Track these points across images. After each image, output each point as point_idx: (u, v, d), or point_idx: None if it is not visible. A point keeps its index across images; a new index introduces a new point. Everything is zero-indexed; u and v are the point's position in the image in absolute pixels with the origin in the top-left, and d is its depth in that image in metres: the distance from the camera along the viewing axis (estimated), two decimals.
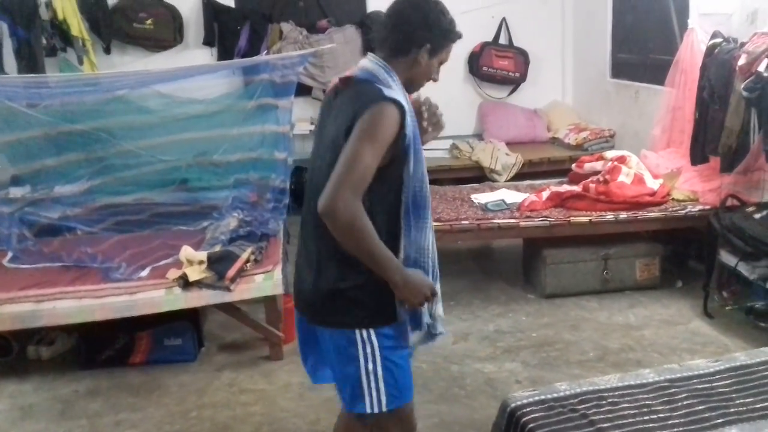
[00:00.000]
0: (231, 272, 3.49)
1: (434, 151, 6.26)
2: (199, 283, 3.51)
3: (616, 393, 2.30)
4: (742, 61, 3.89)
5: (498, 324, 4.10)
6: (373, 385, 1.98)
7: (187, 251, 3.60)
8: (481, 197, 4.67)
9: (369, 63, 2.02)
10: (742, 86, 3.84)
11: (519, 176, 5.76)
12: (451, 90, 6.74)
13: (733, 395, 2.27)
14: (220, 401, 3.38)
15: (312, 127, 6.44)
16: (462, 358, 3.69)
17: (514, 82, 6.73)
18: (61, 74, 5.53)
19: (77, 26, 5.74)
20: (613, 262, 4.31)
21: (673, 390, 2.31)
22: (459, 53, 6.72)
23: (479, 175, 5.90)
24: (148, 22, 6.11)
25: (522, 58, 6.62)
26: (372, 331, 1.97)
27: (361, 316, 1.97)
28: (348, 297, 1.96)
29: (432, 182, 5.52)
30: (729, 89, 4.01)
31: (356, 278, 1.94)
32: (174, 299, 3.49)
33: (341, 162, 1.83)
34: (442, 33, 2.04)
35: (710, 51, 4.26)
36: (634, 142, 5.56)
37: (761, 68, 3.77)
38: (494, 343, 3.85)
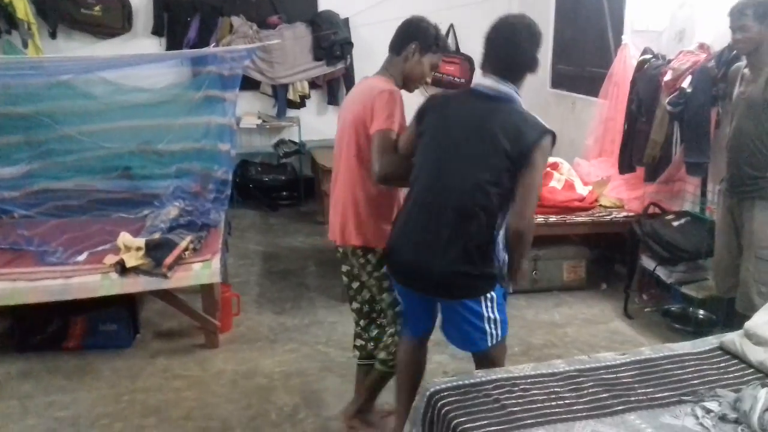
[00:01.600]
0: (169, 260, 3.54)
1: None
2: (136, 270, 3.54)
3: (528, 380, 2.44)
4: (667, 77, 4.12)
5: None
6: (493, 325, 2.51)
7: (124, 237, 3.63)
8: None
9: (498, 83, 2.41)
10: (667, 101, 4.07)
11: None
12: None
13: (636, 385, 2.44)
14: (153, 386, 3.42)
15: (259, 122, 6.50)
16: None
17: (459, 87, 6.90)
18: (3, 56, 5.45)
19: (23, 9, 5.69)
20: (542, 263, 4.51)
21: (581, 379, 2.47)
22: None
23: None
24: (97, 8, 6.08)
25: (468, 64, 6.80)
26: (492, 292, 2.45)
27: (485, 287, 2.44)
28: (475, 276, 2.39)
29: None
30: (655, 103, 4.25)
31: (484, 266, 2.39)
32: (110, 284, 3.52)
33: (530, 190, 2.34)
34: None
35: (640, 66, 4.49)
36: (570, 150, 5.77)
37: (684, 84, 4.01)
38: None
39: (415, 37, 2.66)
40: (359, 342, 3.06)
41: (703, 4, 4.23)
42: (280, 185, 6.68)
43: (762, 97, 3.24)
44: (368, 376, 3.01)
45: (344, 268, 2.93)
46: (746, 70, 3.40)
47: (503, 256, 2.45)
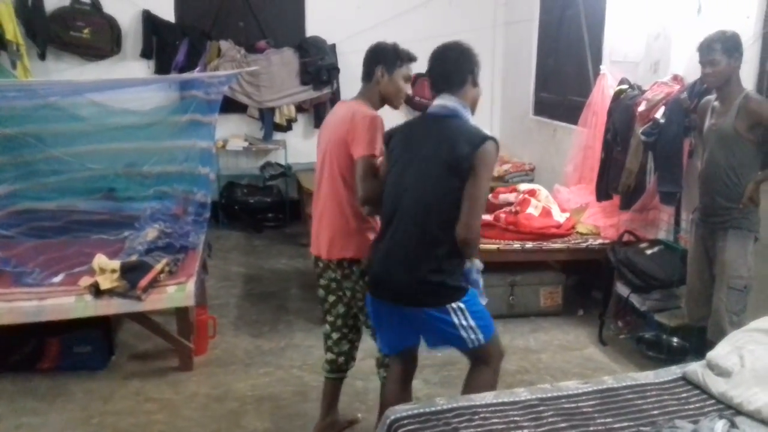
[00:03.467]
0: (143, 282, 3.56)
1: None
2: (110, 292, 3.55)
3: (489, 409, 2.46)
4: (642, 108, 4.18)
5: None
6: (469, 330, 2.60)
7: (100, 259, 3.65)
8: None
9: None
10: (641, 131, 4.13)
11: None
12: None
13: (596, 415, 2.46)
14: (124, 409, 3.43)
15: (246, 144, 6.57)
16: (368, 375, 3.81)
17: None
18: None
19: (12, 30, 5.74)
20: (519, 288, 4.54)
21: (542, 408, 2.48)
22: None
23: None
24: (86, 31, 6.16)
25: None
26: (459, 302, 2.56)
27: (448, 297, 2.54)
28: (436, 285, 2.51)
29: None
30: (630, 133, 4.31)
31: (445, 276, 2.52)
32: (84, 306, 3.53)
33: (475, 199, 2.48)
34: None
35: (616, 96, 4.56)
36: (551, 176, 5.84)
37: (658, 115, 4.08)
38: None
39: (378, 60, 2.83)
40: (330, 356, 3.16)
41: (677, 36, 4.30)
42: (265, 207, 6.72)
43: (732, 129, 3.31)
44: (332, 389, 3.17)
45: (322, 281, 3.02)
46: (716, 103, 3.47)
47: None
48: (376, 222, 2.87)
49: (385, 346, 2.85)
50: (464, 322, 2.57)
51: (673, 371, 2.83)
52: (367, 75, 2.87)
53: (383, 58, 2.83)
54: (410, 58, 2.89)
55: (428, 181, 2.51)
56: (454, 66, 2.61)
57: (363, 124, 2.72)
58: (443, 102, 2.60)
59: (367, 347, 4.13)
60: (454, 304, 2.54)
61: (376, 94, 2.87)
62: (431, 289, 2.52)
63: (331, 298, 3.03)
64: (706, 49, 3.34)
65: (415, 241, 2.52)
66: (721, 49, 3.29)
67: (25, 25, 5.93)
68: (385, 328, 2.76)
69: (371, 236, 2.83)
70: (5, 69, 5.84)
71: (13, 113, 4.71)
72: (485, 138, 2.50)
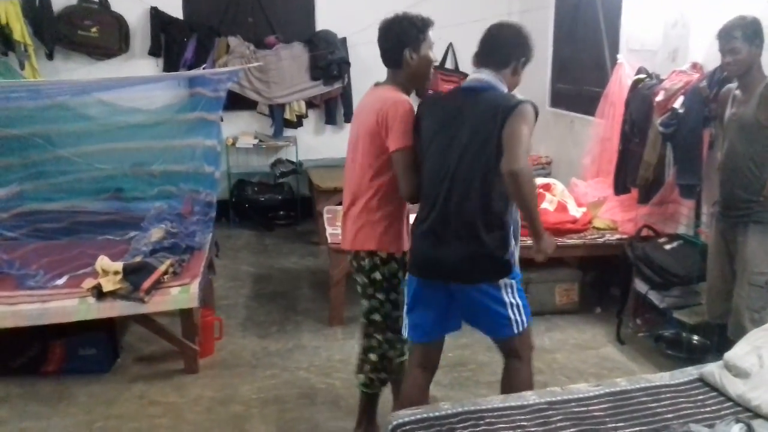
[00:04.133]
0: (146, 284, 3.49)
1: None
2: (113, 294, 3.49)
3: (495, 413, 2.36)
4: (659, 98, 4.03)
5: None
6: (516, 311, 2.59)
7: (102, 261, 3.59)
8: (412, 216, 4.73)
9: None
10: (659, 122, 3.98)
11: None
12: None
13: (607, 419, 2.35)
14: (128, 413, 3.37)
15: (256, 141, 6.50)
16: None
17: None
18: (1, 80, 5.49)
19: (20, 31, 5.73)
20: (534, 286, 4.40)
21: (551, 412, 2.38)
22: None
23: None
24: (93, 29, 6.11)
25: (464, 77, 6.74)
26: (509, 278, 2.55)
27: (502, 271, 2.53)
28: (491, 259, 2.49)
29: None
30: (648, 124, 4.16)
31: (498, 250, 2.49)
32: (86, 309, 3.47)
33: (516, 136, 2.34)
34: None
35: (634, 86, 4.41)
36: (568, 169, 5.70)
37: (677, 105, 3.92)
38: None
39: (404, 44, 2.67)
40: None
41: (696, 23, 4.14)
42: (276, 205, 6.64)
43: (754, 118, 3.16)
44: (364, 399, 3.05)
45: (358, 278, 2.93)
46: (737, 91, 3.33)
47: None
48: (404, 212, 2.83)
49: (418, 332, 2.70)
50: (513, 300, 2.57)
51: (690, 372, 2.70)
52: (395, 62, 2.70)
53: (407, 39, 2.66)
54: (429, 24, 2.72)
55: (477, 156, 2.45)
56: (503, 45, 2.58)
57: (394, 113, 2.60)
58: (479, 76, 2.56)
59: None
60: (506, 280, 2.54)
61: (406, 77, 2.72)
62: (487, 262, 2.50)
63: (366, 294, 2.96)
64: (725, 36, 3.20)
65: (470, 216, 2.47)
66: (742, 37, 3.15)
67: (32, 25, 5.90)
68: (426, 312, 2.65)
69: (398, 227, 2.79)
70: (14, 70, 5.83)
71: (21, 114, 4.69)
72: (521, 101, 2.44)
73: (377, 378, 2.97)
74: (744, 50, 3.15)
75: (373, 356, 2.93)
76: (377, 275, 2.82)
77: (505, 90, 2.55)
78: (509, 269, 2.53)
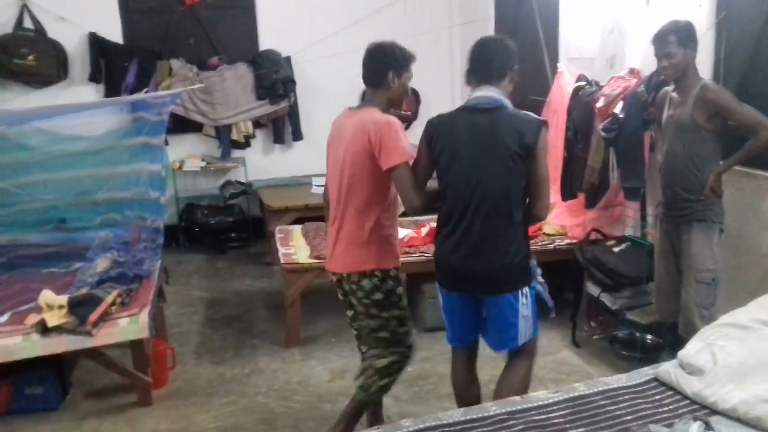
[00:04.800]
0: (93, 316, 3.38)
1: (321, 188, 6.30)
2: (59, 329, 3.37)
3: (457, 428, 2.34)
4: (600, 104, 4.11)
5: None
6: (526, 322, 2.79)
7: (46, 295, 3.47)
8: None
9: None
10: (600, 127, 4.06)
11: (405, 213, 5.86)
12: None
13: (567, 426, 2.35)
14: None
15: (203, 164, 6.42)
16: (336, 396, 3.69)
17: (406, 120, 6.85)
18: None
19: None
20: None
21: (512, 422, 2.37)
22: (352, 92, 6.83)
23: None
24: (30, 57, 5.95)
25: (413, 97, 6.78)
26: (527, 287, 2.75)
27: (522, 279, 2.73)
28: (514, 267, 2.68)
29: (318, 219, 5.48)
30: (590, 130, 4.24)
31: (519, 257, 2.69)
32: (31, 346, 3.34)
33: (543, 181, 2.65)
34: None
35: (575, 93, 4.50)
36: None
37: (617, 110, 4.01)
38: None
39: (389, 66, 2.79)
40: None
41: (631, 29, 4.25)
42: (227, 227, 6.54)
43: (691, 120, 3.24)
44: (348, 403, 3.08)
45: (341, 296, 3.03)
46: (674, 94, 3.41)
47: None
48: (395, 227, 2.95)
49: (456, 339, 2.93)
50: (525, 312, 2.75)
51: (646, 373, 2.73)
52: (377, 82, 2.81)
53: (394, 63, 2.79)
54: (413, 59, 2.87)
55: (503, 170, 2.59)
56: (494, 58, 2.69)
57: (388, 132, 2.69)
58: (486, 93, 2.67)
59: (335, 367, 4.03)
60: (525, 289, 2.72)
61: (384, 100, 2.83)
62: (514, 272, 2.69)
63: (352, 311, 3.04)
64: (660, 41, 3.28)
65: (499, 228, 2.64)
66: (676, 41, 3.22)
67: None
68: (461, 320, 2.85)
69: (395, 243, 2.92)
70: None
71: None
72: (541, 123, 2.67)
73: (378, 385, 2.98)
74: (679, 54, 3.23)
75: (381, 362, 2.97)
76: (378, 295, 2.88)
77: (510, 104, 2.71)
78: (528, 277, 2.75)
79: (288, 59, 6.58)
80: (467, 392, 2.98)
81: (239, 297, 5.32)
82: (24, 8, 6.02)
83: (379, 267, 2.85)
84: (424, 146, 2.75)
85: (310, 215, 5.71)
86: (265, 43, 6.66)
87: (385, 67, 2.79)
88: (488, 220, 2.64)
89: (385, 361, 2.96)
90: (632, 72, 4.14)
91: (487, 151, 2.61)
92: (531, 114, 2.72)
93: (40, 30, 6.06)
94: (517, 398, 2.59)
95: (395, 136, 2.69)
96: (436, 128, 2.73)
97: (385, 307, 2.90)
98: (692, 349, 2.64)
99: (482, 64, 2.70)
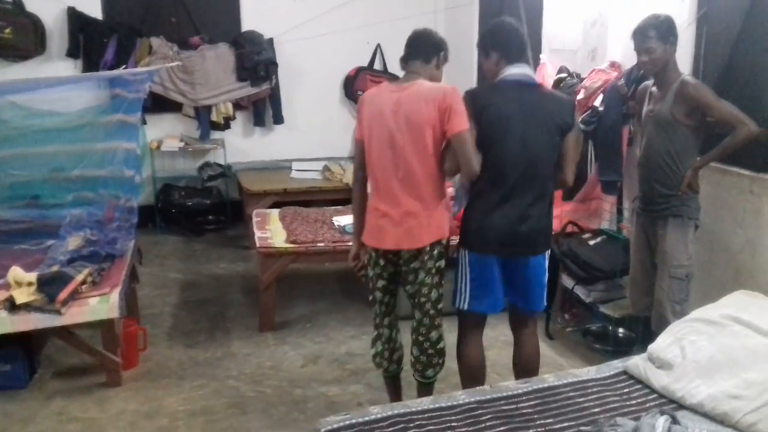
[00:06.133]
0: (62, 295, 3.33)
1: (306, 173, 6.28)
2: (27, 306, 3.32)
3: (425, 416, 2.34)
4: (580, 96, 4.11)
5: (350, 346, 4.11)
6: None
7: (15, 272, 3.42)
8: (342, 219, 4.68)
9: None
10: (580, 120, 4.05)
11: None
12: (326, 113, 6.80)
13: (535, 416, 2.36)
14: (45, 431, 3.20)
15: (182, 144, 6.34)
16: (308, 382, 3.68)
17: None
18: None
19: None
20: None
21: (480, 411, 2.38)
22: (334, 77, 6.81)
23: (350, 198, 5.93)
24: (7, 30, 5.84)
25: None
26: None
27: (550, 241, 3.03)
28: (549, 229, 2.98)
29: (302, 204, 5.46)
30: None
31: (551, 220, 2.99)
32: None
33: (576, 148, 3.02)
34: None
35: (556, 85, 4.48)
36: None
37: (596, 103, 4.01)
38: (343, 366, 3.86)
39: (441, 48, 2.95)
40: (397, 354, 3.15)
41: (613, 22, 4.25)
42: (205, 209, 6.48)
43: (670, 115, 3.24)
44: (419, 392, 3.09)
45: (385, 272, 2.99)
46: (654, 88, 3.40)
47: None
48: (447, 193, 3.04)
49: (486, 305, 3.00)
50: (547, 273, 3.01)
51: (615, 366, 2.75)
52: (428, 56, 2.91)
53: (444, 48, 2.96)
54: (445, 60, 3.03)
55: (550, 141, 2.85)
56: (523, 42, 2.96)
57: (458, 97, 2.76)
58: (524, 71, 2.89)
59: (309, 353, 4.01)
60: (548, 251, 2.98)
61: (427, 76, 2.89)
62: (549, 233, 2.97)
63: (389, 295, 3.06)
64: (640, 36, 3.26)
65: (543, 195, 2.88)
66: (656, 36, 3.21)
67: None
68: (494, 287, 2.95)
69: (447, 210, 3.00)
70: None
71: None
72: (573, 102, 3.05)
73: (441, 364, 3.08)
74: (659, 49, 3.22)
75: (441, 344, 3.04)
76: (442, 263, 2.95)
77: None
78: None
79: (270, 41, 6.51)
80: (481, 365, 3.10)
81: (215, 280, 5.27)
82: None
83: (444, 235, 2.94)
84: (471, 118, 2.79)
85: (289, 200, 5.70)
86: (247, 23, 6.58)
87: (437, 48, 2.92)
88: (536, 186, 2.85)
89: (442, 344, 3.05)
90: (613, 65, 4.15)
91: (538, 123, 2.82)
92: (562, 94, 3.15)
93: (18, 3, 5.94)
94: (486, 387, 2.60)
95: (460, 101, 2.77)
96: (486, 99, 2.84)
97: (443, 275, 2.98)
98: (662, 343, 2.66)
99: (517, 45, 2.91)
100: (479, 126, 2.80)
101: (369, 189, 3.03)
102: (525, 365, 3.11)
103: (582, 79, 4.24)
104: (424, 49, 2.91)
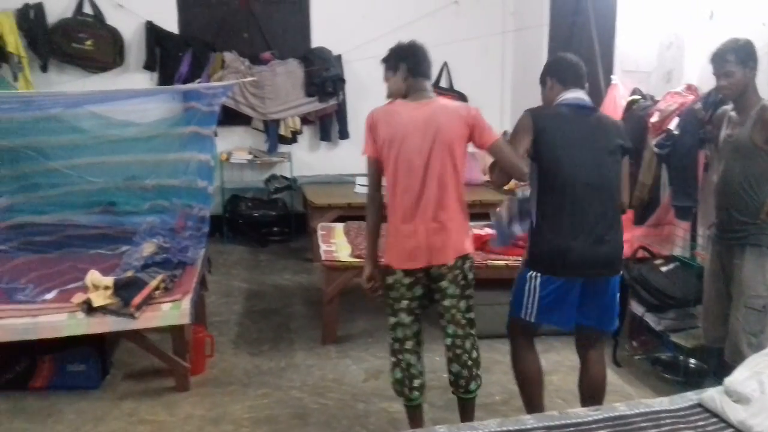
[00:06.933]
0: (137, 299, 3.44)
1: (364, 188, 6.32)
2: (103, 309, 3.44)
3: None
4: (654, 119, 4.04)
5: None
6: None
7: (93, 276, 3.55)
8: None
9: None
10: (654, 143, 3.98)
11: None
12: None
13: None
14: (116, 431, 3.30)
15: (250, 157, 6.49)
16: (369, 397, 3.69)
17: None
18: None
19: (14, 43, 5.71)
20: None
21: None
22: None
23: None
24: (88, 42, 6.10)
25: (460, 100, 6.76)
26: None
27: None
28: (622, 249, 3.00)
29: (359, 219, 5.51)
30: (643, 145, 4.16)
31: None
32: (76, 324, 3.42)
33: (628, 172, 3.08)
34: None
35: (629, 107, 4.42)
36: None
37: (672, 126, 3.92)
38: None
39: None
40: (419, 381, 3.05)
41: (690, 44, 4.17)
42: (270, 221, 6.61)
43: (749, 140, 3.15)
44: (463, 409, 3.11)
45: (416, 292, 2.94)
46: (733, 113, 3.32)
47: None
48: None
49: (558, 321, 3.04)
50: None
51: (689, 397, 2.66)
52: (430, 75, 3.00)
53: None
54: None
55: (615, 163, 2.93)
56: (581, 69, 3.02)
57: (478, 112, 2.87)
58: (581, 95, 2.96)
59: (371, 367, 4.03)
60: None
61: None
62: (622, 254, 2.98)
63: (418, 311, 3.00)
64: (719, 60, 3.19)
65: (615, 215, 2.94)
66: (735, 60, 3.13)
67: (27, 37, 5.89)
68: (566, 308, 2.94)
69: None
70: (6, 81, 5.79)
71: (13, 125, 4.65)
72: (621, 123, 3.26)
73: (481, 376, 3.08)
74: (738, 73, 3.14)
75: (475, 353, 3.03)
76: (471, 275, 2.99)
77: None
78: None
79: (339, 57, 6.62)
80: (541, 372, 3.11)
81: (278, 290, 5.36)
82: None
83: (472, 249, 3.00)
84: (529, 132, 2.84)
85: (353, 214, 5.73)
86: (317, 40, 6.71)
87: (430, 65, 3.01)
88: (609, 208, 2.89)
89: (476, 353, 3.03)
90: (689, 88, 4.05)
91: (603, 146, 2.89)
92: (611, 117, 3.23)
93: (99, 16, 6.21)
94: (555, 413, 2.56)
95: (481, 114, 2.88)
96: (548, 121, 2.89)
97: (473, 287, 3.00)
98: (739, 377, 2.57)
99: (577, 71, 3.00)
100: (538, 146, 2.85)
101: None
102: (592, 389, 3.08)
103: (656, 102, 4.16)
104: (429, 67, 2.98)
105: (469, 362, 2.99)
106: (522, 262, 3.10)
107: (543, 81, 3.06)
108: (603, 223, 2.87)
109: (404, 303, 2.95)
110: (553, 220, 2.88)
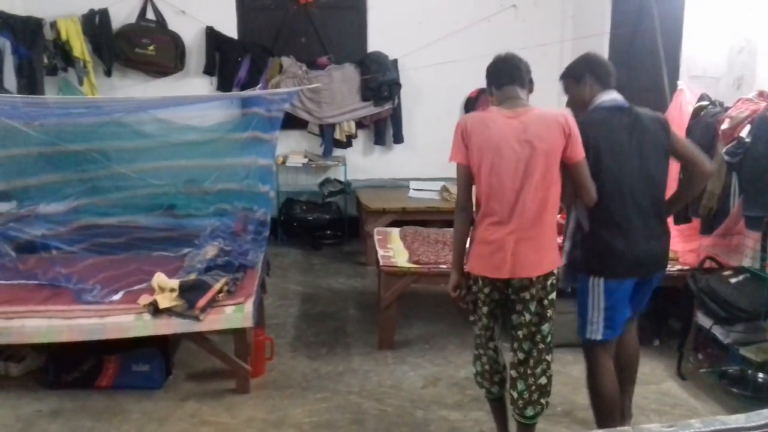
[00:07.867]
0: (201, 302, 3.49)
1: (424, 192, 6.31)
2: (169, 311, 3.50)
3: None
4: (725, 126, 3.92)
5: (470, 371, 3.95)
6: None
7: (159, 278, 3.61)
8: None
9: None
10: (724, 150, 3.87)
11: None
12: (446, 133, 6.75)
13: None
14: None
15: (305, 160, 6.53)
16: (429, 404, 3.66)
17: None
18: (60, 97, 5.61)
19: (80, 48, 5.87)
20: None
21: None
22: (455, 98, 6.82)
23: None
24: (151, 48, 6.22)
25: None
26: None
27: None
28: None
29: (419, 223, 5.48)
30: (712, 152, 4.02)
31: None
32: (143, 325, 3.49)
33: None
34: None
35: (696, 113, 4.29)
36: None
37: (743, 134, 3.80)
38: (463, 390, 3.82)
39: (529, 72, 2.93)
40: (500, 376, 3.03)
41: (763, 50, 4.03)
42: (324, 224, 6.64)
43: None
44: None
45: (490, 299, 2.88)
46: None
47: None
48: None
49: (616, 329, 3.00)
50: None
51: (766, 415, 2.57)
52: (522, 83, 2.88)
53: (530, 74, 2.94)
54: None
55: (663, 161, 2.95)
56: (612, 67, 3.06)
57: (575, 124, 2.77)
58: (617, 96, 2.97)
59: (428, 374, 4.00)
60: None
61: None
62: (668, 250, 3.06)
63: (496, 311, 2.93)
64: None
65: (661, 211, 2.98)
66: None
67: (92, 42, 6.05)
68: (623, 309, 2.98)
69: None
70: (73, 86, 5.96)
71: (79, 129, 4.75)
72: (665, 118, 3.07)
73: (546, 403, 2.95)
74: None
75: (543, 380, 2.90)
76: (553, 294, 2.85)
77: None
78: None
79: (395, 62, 6.62)
80: (617, 396, 3.07)
81: (333, 294, 5.38)
82: (147, 1, 6.31)
83: (559, 265, 2.91)
84: (584, 144, 2.80)
85: (407, 218, 5.74)
86: (373, 44, 6.73)
87: (528, 72, 2.91)
88: (659, 207, 2.95)
89: (545, 379, 2.90)
90: (762, 95, 3.92)
91: (649, 146, 2.90)
92: (653, 111, 3.05)
93: (161, 22, 6.34)
94: (628, 428, 2.49)
95: (577, 127, 2.77)
96: (597, 129, 2.87)
97: (554, 307, 2.86)
98: None
99: (609, 72, 3.02)
100: (591, 153, 2.83)
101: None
102: (626, 361, 3.23)
103: (726, 108, 4.04)
104: (519, 75, 2.86)
105: (533, 386, 2.88)
106: (569, 272, 3.06)
107: (580, 78, 3.00)
108: (654, 220, 2.92)
109: (485, 308, 2.91)
110: (608, 225, 2.88)
